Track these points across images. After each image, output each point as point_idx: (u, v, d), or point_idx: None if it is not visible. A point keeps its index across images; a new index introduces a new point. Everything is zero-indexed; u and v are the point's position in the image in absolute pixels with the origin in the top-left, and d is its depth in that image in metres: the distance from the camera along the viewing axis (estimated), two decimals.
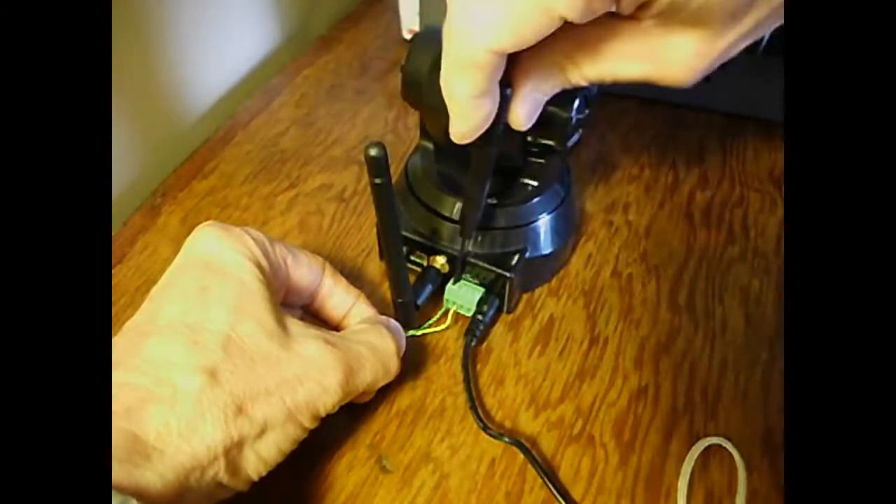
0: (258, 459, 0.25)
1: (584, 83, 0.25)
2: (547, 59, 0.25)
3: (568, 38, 0.24)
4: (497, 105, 0.24)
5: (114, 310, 0.37)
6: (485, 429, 0.31)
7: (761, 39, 0.23)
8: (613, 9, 0.21)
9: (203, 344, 0.24)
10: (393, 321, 0.32)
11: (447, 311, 0.36)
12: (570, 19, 0.20)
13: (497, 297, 0.36)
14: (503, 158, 0.25)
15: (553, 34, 0.21)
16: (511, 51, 0.22)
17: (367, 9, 0.63)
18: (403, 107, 0.51)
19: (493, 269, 0.34)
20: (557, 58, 0.24)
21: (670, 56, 0.22)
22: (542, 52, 0.24)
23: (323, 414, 0.26)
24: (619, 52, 0.23)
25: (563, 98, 0.27)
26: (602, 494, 0.30)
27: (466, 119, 0.24)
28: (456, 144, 0.26)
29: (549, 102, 0.26)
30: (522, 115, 0.26)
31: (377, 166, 0.24)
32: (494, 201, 0.35)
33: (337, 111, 0.51)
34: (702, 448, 0.31)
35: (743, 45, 0.22)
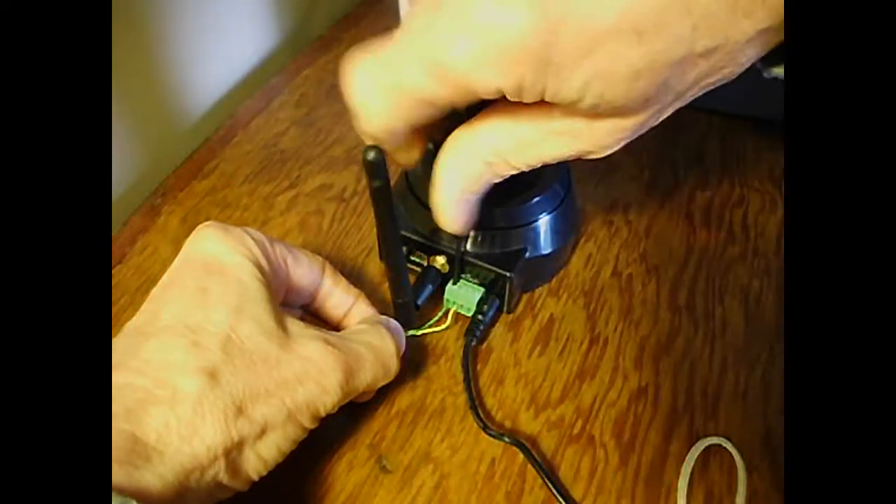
0: (258, 460, 0.25)
1: (512, 172, 0.26)
2: (469, 158, 0.25)
3: (488, 131, 0.25)
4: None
5: (114, 310, 0.37)
6: (485, 429, 0.31)
7: None
8: (494, 96, 0.21)
9: (203, 345, 0.24)
10: (393, 321, 0.32)
11: (447, 311, 0.36)
12: (452, 106, 0.22)
13: (497, 297, 0.35)
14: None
15: (472, 128, 0.24)
16: (404, 126, 0.23)
17: (367, 9, 0.63)
18: None
19: (493, 269, 0.34)
20: (480, 154, 0.25)
21: (591, 135, 0.23)
22: (461, 150, 0.25)
23: (323, 414, 0.26)
24: (542, 135, 0.24)
25: None
26: (602, 494, 0.30)
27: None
28: None
29: None
30: (461, 223, 0.27)
31: (375, 170, 0.24)
32: (494, 201, 0.34)
33: (337, 111, 0.51)
34: (702, 448, 0.31)
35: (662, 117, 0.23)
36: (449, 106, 0.22)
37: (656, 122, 0.23)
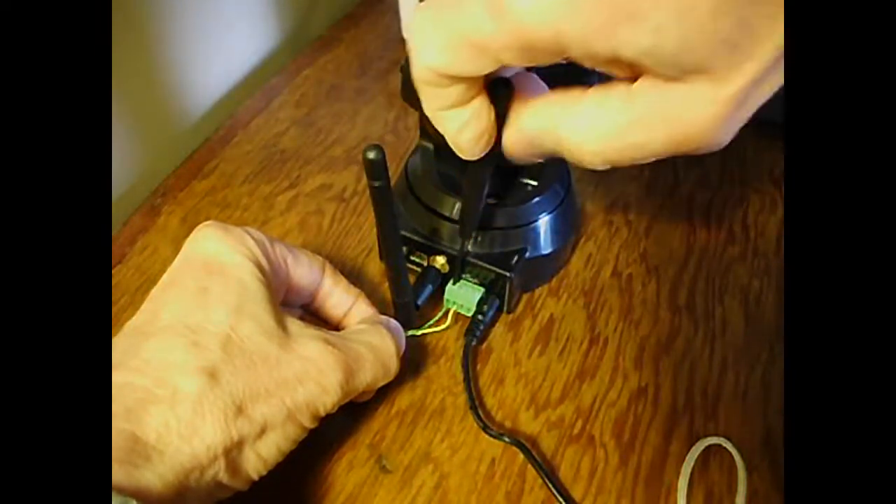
0: (258, 459, 0.25)
1: (585, 165, 0.22)
2: (536, 115, 0.23)
3: (556, 101, 0.22)
4: (483, 120, 0.23)
5: (114, 310, 0.37)
6: (485, 429, 0.31)
7: None
8: (561, 60, 0.19)
9: (203, 345, 0.24)
10: (393, 321, 0.32)
11: (447, 311, 0.36)
12: (507, 63, 0.19)
13: (497, 297, 0.36)
14: (503, 159, 0.25)
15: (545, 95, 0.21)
16: (453, 73, 0.21)
17: (367, 9, 0.63)
18: (403, 107, 0.51)
19: (493, 269, 0.34)
20: (544, 121, 0.22)
21: (683, 114, 0.19)
22: (530, 103, 0.23)
23: (323, 414, 0.26)
24: (618, 122, 0.20)
25: None
26: (602, 494, 0.30)
27: (446, 130, 0.23)
28: None
29: None
30: (509, 147, 0.24)
31: (376, 169, 0.24)
32: (494, 201, 0.35)
33: (337, 111, 0.51)
34: (702, 448, 0.31)
35: (766, 93, 0.19)
36: (502, 61, 0.19)
37: (756, 103, 0.19)
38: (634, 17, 0.17)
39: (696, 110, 0.19)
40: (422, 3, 0.20)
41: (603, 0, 0.17)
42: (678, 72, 0.18)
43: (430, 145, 0.37)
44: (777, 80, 0.19)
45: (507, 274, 0.34)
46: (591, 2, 0.17)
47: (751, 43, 0.18)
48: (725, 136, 0.19)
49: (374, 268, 0.40)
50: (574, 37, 0.18)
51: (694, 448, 0.31)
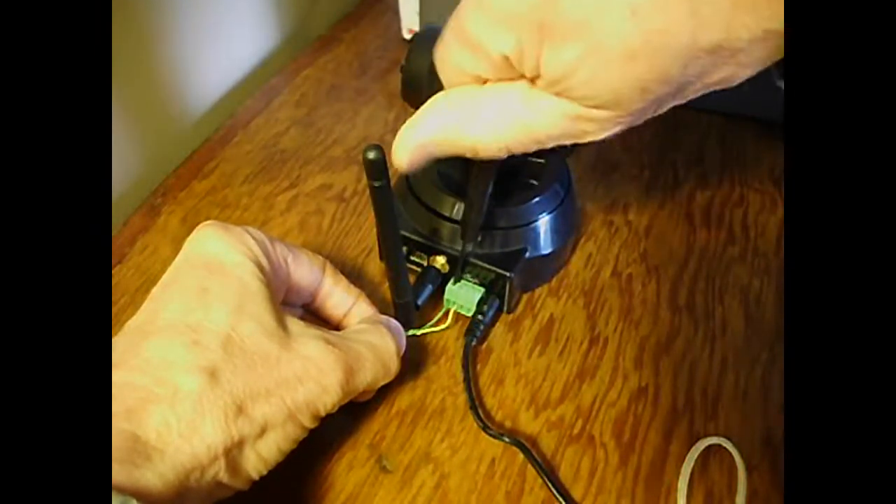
0: (258, 459, 0.25)
1: (496, 153, 0.24)
2: (436, 125, 0.25)
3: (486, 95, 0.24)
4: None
5: (114, 310, 0.37)
6: (485, 429, 0.31)
7: None
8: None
9: (203, 344, 0.24)
10: (393, 321, 0.32)
11: (447, 311, 0.36)
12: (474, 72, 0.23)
13: (497, 297, 0.36)
14: (506, 163, 0.25)
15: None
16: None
17: (367, 9, 0.63)
18: (403, 107, 0.51)
19: (493, 269, 0.34)
20: (445, 129, 0.25)
21: (583, 125, 0.22)
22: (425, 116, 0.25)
23: (323, 414, 0.26)
24: (523, 119, 0.23)
25: None
26: (602, 494, 0.30)
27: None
28: None
29: None
30: (407, 163, 0.26)
31: (376, 170, 0.24)
32: (494, 201, 0.35)
33: (337, 111, 0.51)
34: (702, 448, 0.31)
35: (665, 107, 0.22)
36: (482, 77, 0.23)
37: (653, 115, 0.22)
38: (554, 44, 0.20)
39: (597, 119, 0.22)
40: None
41: (530, 25, 0.20)
42: (589, 102, 0.21)
43: None
44: (677, 101, 0.22)
45: (508, 274, 0.34)
46: (520, 26, 0.20)
47: (663, 84, 0.20)
48: (612, 133, 0.23)
49: (374, 268, 0.40)
50: (511, 53, 0.21)
51: (694, 448, 0.31)
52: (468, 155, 0.25)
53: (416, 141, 0.25)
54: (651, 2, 0.18)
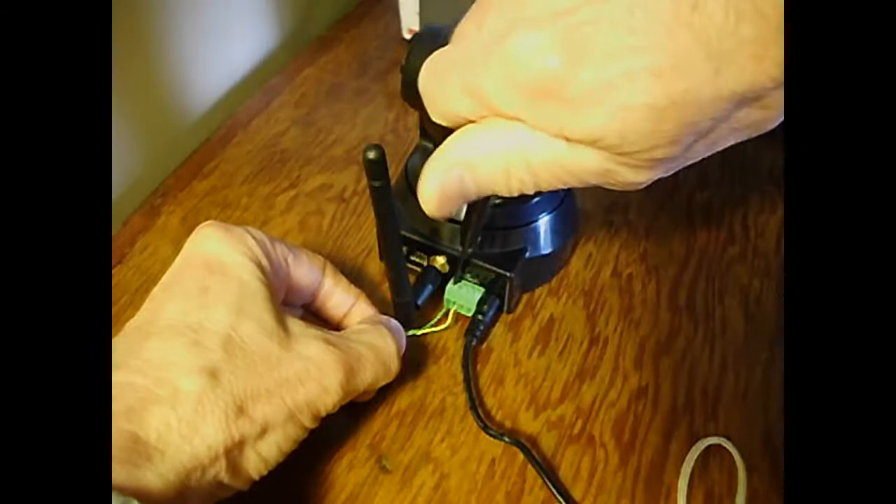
0: (259, 459, 0.25)
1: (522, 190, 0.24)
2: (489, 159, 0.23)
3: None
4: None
5: (114, 310, 0.37)
6: (485, 429, 0.31)
7: None
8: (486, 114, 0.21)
9: (204, 344, 0.24)
10: (393, 321, 0.32)
11: (447, 311, 0.36)
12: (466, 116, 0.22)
13: (497, 297, 0.36)
14: None
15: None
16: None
17: (367, 9, 0.63)
18: (403, 107, 0.51)
19: (493, 269, 0.34)
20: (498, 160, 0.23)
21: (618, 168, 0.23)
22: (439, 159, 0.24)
23: (323, 414, 0.26)
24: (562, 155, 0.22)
25: None
26: (602, 494, 0.30)
27: None
28: None
29: None
30: (442, 211, 0.25)
31: (375, 169, 0.24)
32: (494, 201, 0.34)
33: (337, 111, 0.51)
34: (702, 448, 0.31)
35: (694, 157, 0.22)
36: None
37: (684, 165, 0.22)
38: (578, 114, 0.19)
39: (624, 170, 0.23)
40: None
41: (551, 96, 0.19)
42: (619, 154, 0.21)
43: (430, 145, 0.37)
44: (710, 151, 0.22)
45: (508, 274, 0.34)
46: (541, 96, 0.19)
47: (693, 136, 0.20)
48: (646, 184, 0.24)
49: (374, 268, 0.40)
50: (530, 120, 0.21)
51: (694, 448, 0.31)
52: (497, 189, 0.23)
53: (452, 159, 0.23)
54: (673, 65, 0.18)
